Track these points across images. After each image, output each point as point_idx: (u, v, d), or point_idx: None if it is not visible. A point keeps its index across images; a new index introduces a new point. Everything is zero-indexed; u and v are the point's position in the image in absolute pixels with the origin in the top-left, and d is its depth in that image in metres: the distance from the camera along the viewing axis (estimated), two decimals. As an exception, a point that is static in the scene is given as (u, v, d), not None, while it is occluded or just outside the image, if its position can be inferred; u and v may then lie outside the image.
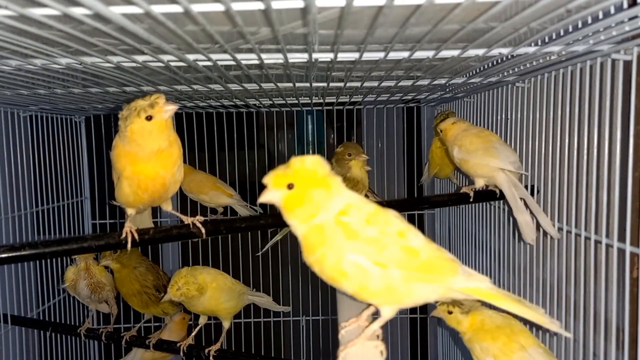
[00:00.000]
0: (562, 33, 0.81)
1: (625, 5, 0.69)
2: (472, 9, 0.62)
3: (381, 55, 0.82)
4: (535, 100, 1.05)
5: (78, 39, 0.65)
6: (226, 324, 1.41)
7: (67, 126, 1.81)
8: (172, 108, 0.77)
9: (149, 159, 0.80)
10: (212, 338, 1.57)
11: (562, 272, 0.96)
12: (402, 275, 0.59)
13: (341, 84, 1.18)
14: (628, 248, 0.76)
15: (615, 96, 0.79)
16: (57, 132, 1.74)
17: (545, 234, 1.02)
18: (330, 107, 1.82)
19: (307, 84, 1.15)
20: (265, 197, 0.60)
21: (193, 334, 1.42)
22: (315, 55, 0.82)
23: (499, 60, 0.97)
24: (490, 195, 1.09)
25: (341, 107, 1.83)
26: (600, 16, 0.72)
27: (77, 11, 0.52)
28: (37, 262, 1.67)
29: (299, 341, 1.97)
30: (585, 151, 0.87)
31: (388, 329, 1.91)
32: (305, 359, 1.96)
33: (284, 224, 0.63)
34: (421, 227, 1.97)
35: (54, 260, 1.72)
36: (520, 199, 1.02)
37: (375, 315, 0.66)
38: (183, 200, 1.73)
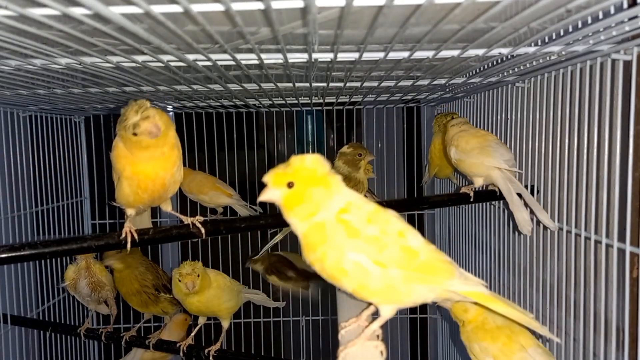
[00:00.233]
0: (562, 33, 0.81)
1: (625, 5, 0.69)
2: (472, 9, 0.62)
3: (381, 55, 0.82)
4: (535, 100, 1.05)
5: (78, 39, 0.65)
6: (225, 324, 1.41)
7: (67, 126, 1.81)
8: (155, 132, 0.76)
9: (149, 160, 0.80)
10: (211, 338, 1.57)
11: (562, 272, 0.96)
12: (402, 276, 0.59)
13: (341, 84, 1.18)
14: (628, 248, 0.77)
15: (615, 96, 0.79)
16: (56, 132, 1.74)
17: (544, 232, 1.02)
18: (330, 107, 1.82)
19: (307, 84, 1.15)
20: (265, 196, 0.60)
21: (193, 334, 1.42)
22: (315, 55, 0.82)
23: (499, 60, 0.97)
24: (491, 195, 1.10)
25: (341, 107, 1.83)
26: (600, 16, 0.72)
27: (76, 11, 0.52)
28: (37, 262, 1.67)
29: (299, 341, 1.96)
30: (585, 151, 0.87)
31: (388, 329, 1.90)
32: (305, 359, 1.96)
33: (284, 224, 0.63)
34: (421, 227, 1.97)
35: (53, 260, 1.72)
36: (517, 194, 1.02)
37: (375, 315, 0.66)
38: (183, 201, 1.73)
